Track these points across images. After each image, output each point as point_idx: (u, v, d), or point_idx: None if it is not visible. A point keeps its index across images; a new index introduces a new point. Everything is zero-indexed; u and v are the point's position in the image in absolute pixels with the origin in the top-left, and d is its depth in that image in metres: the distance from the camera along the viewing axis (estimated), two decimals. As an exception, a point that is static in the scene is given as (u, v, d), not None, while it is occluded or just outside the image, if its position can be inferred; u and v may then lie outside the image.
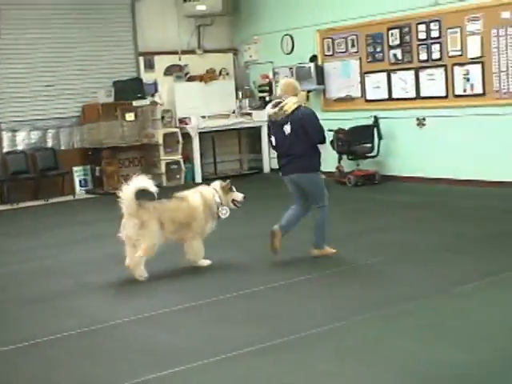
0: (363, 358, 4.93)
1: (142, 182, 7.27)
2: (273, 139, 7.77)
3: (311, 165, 7.55)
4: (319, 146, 7.61)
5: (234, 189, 7.80)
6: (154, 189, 7.26)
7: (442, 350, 4.95)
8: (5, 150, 13.82)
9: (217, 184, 7.73)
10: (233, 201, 7.74)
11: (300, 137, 7.42)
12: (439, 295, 6.14)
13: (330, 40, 13.72)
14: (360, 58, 13.22)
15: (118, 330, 5.89)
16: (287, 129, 7.44)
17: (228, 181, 7.85)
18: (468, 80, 11.55)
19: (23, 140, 14.03)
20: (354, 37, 13.23)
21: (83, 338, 5.75)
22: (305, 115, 7.46)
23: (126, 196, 7.15)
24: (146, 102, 14.46)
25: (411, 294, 6.22)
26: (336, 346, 5.18)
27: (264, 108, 15.16)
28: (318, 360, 4.94)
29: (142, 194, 7.38)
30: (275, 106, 7.59)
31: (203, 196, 7.57)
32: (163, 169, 14.36)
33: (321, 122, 7.62)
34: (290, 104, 7.41)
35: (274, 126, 7.66)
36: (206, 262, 7.61)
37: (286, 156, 7.63)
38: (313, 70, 13.71)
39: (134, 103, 14.30)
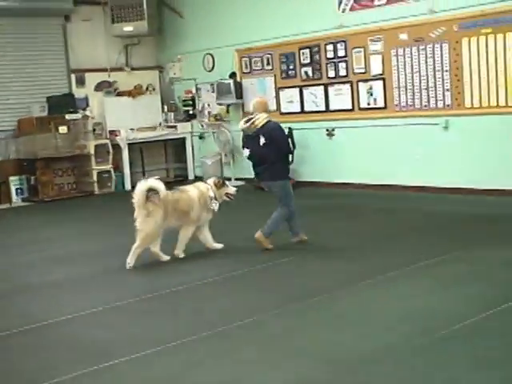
0: (282, 346, 4.97)
1: (153, 182, 7.55)
2: (246, 150, 8.00)
3: (281, 172, 7.93)
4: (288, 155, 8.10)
5: (227, 184, 8.19)
6: (162, 189, 7.52)
7: (353, 336, 5.04)
8: None
9: (211, 180, 8.10)
10: (226, 194, 8.09)
11: (271, 148, 7.73)
12: (347, 288, 6.23)
13: (247, 58, 13.78)
14: (275, 75, 13.31)
15: (53, 329, 5.77)
16: (262, 140, 7.73)
17: (220, 178, 8.37)
18: (371, 94, 11.76)
19: (-39, 151, 13.65)
20: (269, 56, 13.33)
21: (18, 337, 5.62)
22: (274, 128, 7.81)
23: (138, 192, 7.46)
24: (78, 115, 14.25)
25: (323, 287, 6.29)
26: (257, 337, 5.21)
27: (188, 121, 15.26)
28: (241, 350, 4.96)
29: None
30: (247, 121, 7.88)
31: (200, 190, 7.94)
32: (95, 178, 14.18)
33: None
34: (261, 119, 7.75)
35: (248, 138, 7.92)
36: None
37: (260, 165, 7.94)
38: (232, 85, 13.74)
39: (67, 117, 14.06)
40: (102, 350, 5.16)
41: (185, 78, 15.27)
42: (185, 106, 15.36)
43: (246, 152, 8.02)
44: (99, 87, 15.01)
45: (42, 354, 5.20)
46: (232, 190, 8.15)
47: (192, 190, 7.95)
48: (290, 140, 7.98)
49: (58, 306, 6.45)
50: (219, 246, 8.08)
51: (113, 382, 4.60)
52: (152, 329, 5.58)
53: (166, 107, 15.39)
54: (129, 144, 14.56)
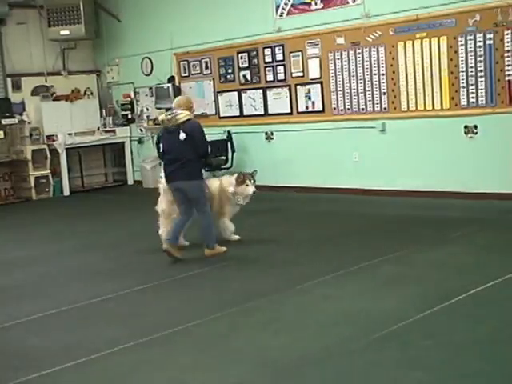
0: (219, 350, 4.90)
1: None
2: (161, 146, 7.67)
3: (198, 172, 7.62)
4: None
5: (248, 183, 8.23)
6: None
7: (289, 339, 5.00)
8: None
9: (234, 176, 8.34)
10: (239, 194, 8.23)
11: (189, 146, 7.41)
12: (283, 292, 6.18)
13: (185, 62, 13.68)
14: (213, 79, 13.24)
15: (-14, 338, 5.60)
16: (182, 135, 7.41)
17: (244, 174, 8.34)
18: (310, 98, 11.80)
19: None
20: (208, 59, 13.25)
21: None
22: (194, 127, 7.51)
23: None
24: (15, 120, 13.93)
25: (258, 291, 6.24)
26: (193, 342, 5.13)
27: (126, 125, 15.06)
28: (178, 355, 4.87)
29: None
30: (169, 115, 7.61)
31: (221, 184, 8.29)
32: (32, 183, 13.87)
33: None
34: (183, 115, 7.46)
35: (166, 132, 7.58)
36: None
37: (174, 162, 7.50)
38: (171, 89, 13.61)
39: (3, 121, 13.74)
40: (37, 358, 5.02)
41: (123, 82, 15.08)
42: (123, 110, 15.16)
43: (161, 148, 7.68)
44: (36, 92, 14.70)
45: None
46: (248, 190, 8.20)
47: (214, 184, 8.28)
48: (207, 142, 7.70)
49: (-10, 315, 6.25)
50: (236, 237, 8.25)
51: (45, 393, 4.46)
52: (87, 336, 5.43)
53: (104, 111, 15.17)
54: (67, 149, 14.29)
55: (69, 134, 14.29)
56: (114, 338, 5.26)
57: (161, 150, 7.72)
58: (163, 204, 8.07)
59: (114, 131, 14.96)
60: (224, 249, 7.68)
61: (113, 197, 13.90)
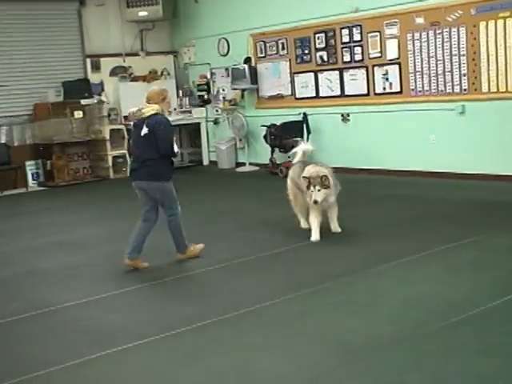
0: (291, 332, 4.92)
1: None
2: (131, 142, 7.20)
3: (161, 173, 6.81)
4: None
5: (313, 188, 7.23)
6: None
7: (362, 321, 4.98)
8: (-40, 145, 13.46)
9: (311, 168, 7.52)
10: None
11: (152, 143, 6.70)
12: (358, 274, 6.16)
13: (262, 43, 13.66)
14: (289, 60, 13.19)
15: (65, 313, 5.75)
16: (144, 130, 6.73)
17: (323, 175, 7.29)
18: (387, 79, 11.63)
19: (-23, 137, 13.70)
20: (284, 40, 13.20)
21: (31, 321, 5.61)
22: (158, 123, 6.73)
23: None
24: (93, 100, 14.23)
25: (332, 273, 6.23)
26: (265, 322, 5.15)
27: (202, 106, 15.18)
28: (249, 335, 4.91)
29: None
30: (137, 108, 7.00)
31: (292, 174, 7.92)
32: (110, 162, 14.16)
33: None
34: (149, 109, 6.79)
35: (134, 126, 7.01)
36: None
37: (137, 160, 6.94)
38: (247, 70, 13.64)
39: (82, 102, 14.05)
40: (111, 334, 5.14)
41: (199, 63, 15.18)
42: (199, 90, 15.28)
43: (131, 143, 7.13)
44: (114, 72, 14.97)
45: (55, 338, 5.19)
46: (313, 197, 7.23)
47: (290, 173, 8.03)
48: (172, 141, 6.82)
49: (69, 290, 6.42)
50: (338, 230, 7.61)
51: (120, 367, 4.56)
52: (161, 314, 5.54)
53: (180, 92, 15.32)
54: (144, 129, 14.50)
55: (146, 115, 14.48)
56: (187, 317, 5.33)
57: (132, 146, 7.17)
58: (290, 191, 7.94)
59: (190, 112, 15.10)
60: (201, 246, 7.17)
61: (188, 177, 14.03)
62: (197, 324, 5.14)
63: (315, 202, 7.22)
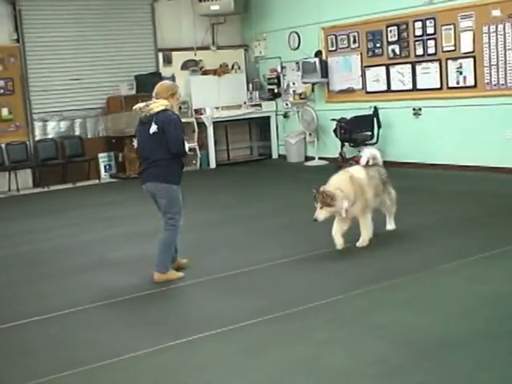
0: (358, 327, 4.90)
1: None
2: (135, 141, 6.75)
3: (171, 175, 6.33)
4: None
5: (316, 205, 6.72)
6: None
7: (431, 319, 4.92)
8: (37, 138, 13.84)
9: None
10: None
11: (161, 141, 6.23)
12: (428, 270, 6.07)
13: (333, 36, 13.59)
14: (361, 53, 13.09)
15: (134, 303, 5.87)
16: (153, 128, 6.24)
17: (324, 192, 6.70)
18: (461, 73, 11.41)
19: (53, 129, 14.05)
20: (356, 33, 13.10)
21: (104, 309, 5.75)
22: (168, 119, 6.22)
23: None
24: (165, 94, 14.39)
25: (401, 269, 6.16)
26: (332, 317, 5.14)
27: (272, 100, 15.20)
28: (316, 330, 4.90)
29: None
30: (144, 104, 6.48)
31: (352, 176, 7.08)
32: (180, 155, 14.32)
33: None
34: (158, 104, 6.30)
35: (140, 125, 6.47)
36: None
37: (145, 160, 6.42)
38: (317, 64, 13.60)
39: (154, 95, 14.24)
40: (178, 325, 5.23)
41: (270, 57, 15.20)
42: (269, 84, 15.31)
43: (135, 142, 6.75)
44: (185, 66, 15.15)
45: (122, 328, 5.30)
46: (316, 213, 6.71)
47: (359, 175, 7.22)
48: (183, 140, 6.30)
49: (140, 279, 6.52)
50: (362, 244, 6.99)
51: (189, 358, 4.63)
52: (229, 307, 5.59)
53: (250, 86, 15.38)
54: (214, 122, 14.64)
55: (216, 108, 14.62)
56: (255, 310, 5.37)
57: (136, 146, 6.82)
58: None
59: (259, 105, 15.15)
60: (179, 275, 6.42)
61: (257, 170, 14.11)
62: (264, 317, 5.16)
63: (315, 220, 6.71)
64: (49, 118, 13.97)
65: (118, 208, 10.68)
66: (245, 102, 15.13)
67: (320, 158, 13.76)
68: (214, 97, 14.65)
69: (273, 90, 15.22)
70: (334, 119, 12.95)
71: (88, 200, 11.81)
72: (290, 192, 10.87)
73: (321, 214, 6.70)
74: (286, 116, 15.07)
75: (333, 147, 13.29)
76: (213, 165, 14.61)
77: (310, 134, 14.19)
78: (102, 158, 14.33)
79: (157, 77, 14.57)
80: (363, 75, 13.11)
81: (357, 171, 7.14)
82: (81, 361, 4.62)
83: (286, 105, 14.97)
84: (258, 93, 15.31)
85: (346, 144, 12.83)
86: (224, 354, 4.60)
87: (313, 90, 14.20)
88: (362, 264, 6.52)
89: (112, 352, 4.73)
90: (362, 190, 6.94)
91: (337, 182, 6.89)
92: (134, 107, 6.51)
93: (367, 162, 7.44)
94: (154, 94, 6.43)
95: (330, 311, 5.26)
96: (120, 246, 8.01)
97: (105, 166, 14.36)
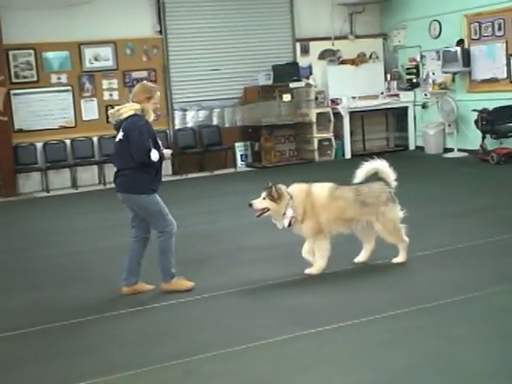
0: (496, 325, 4.77)
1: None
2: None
3: (138, 185, 5.90)
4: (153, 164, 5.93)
5: (263, 195, 6.29)
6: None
7: None
8: (176, 127, 14.32)
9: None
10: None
11: (126, 149, 5.87)
12: None
13: (477, 24, 13.16)
14: (506, 41, 12.60)
15: (267, 291, 5.98)
16: (119, 135, 5.93)
17: (275, 185, 6.29)
18: None
19: (192, 118, 14.48)
20: (501, 21, 12.62)
21: (241, 295, 5.90)
22: (133, 126, 5.84)
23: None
24: (302, 84, 14.49)
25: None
26: (468, 314, 5.03)
27: (410, 90, 14.92)
28: (449, 326, 4.81)
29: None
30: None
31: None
32: (315, 145, 14.39)
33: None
34: (127, 109, 5.94)
35: (114, 130, 6.13)
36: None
37: (116, 168, 6.12)
38: (459, 53, 13.22)
39: (291, 85, 14.36)
40: (310, 314, 5.27)
41: (409, 46, 14.93)
42: (408, 74, 15.06)
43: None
44: (323, 56, 15.16)
45: (258, 314, 5.43)
46: (255, 201, 6.29)
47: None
48: (148, 148, 5.82)
49: (272, 269, 6.62)
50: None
51: (318, 348, 4.66)
52: (360, 299, 5.58)
53: (388, 76, 15.18)
54: (350, 112, 14.58)
55: (352, 98, 14.55)
56: (384, 304, 5.34)
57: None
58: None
59: (397, 96, 14.94)
60: (189, 284, 6.11)
61: (393, 161, 13.84)
62: (394, 312, 5.12)
63: (250, 204, 6.28)
64: (188, 107, 14.42)
65: (253, 196, 10.80)
66: (382, 92, 14.96)
67: (459, 150, 13.41)
68: (351, 87, 14.57)
69: (411, 79, 14.96)
70: (475, 110, 12.56)
71: (224, 188, 12.09)
72: (427, 184, 10.66)
73: (260, 203, 6.25)
74: (424, 106, 14.75)
75: (473, 139, 12.90)
76: (348, 155, 14.57)
77: (450, 125, 13.83)
78: (239, 147, 14.62)
79: (294, 67, 14.72)
80: (508, 64, 12.62)
81: (319, 189, 6.37)
82: (215, 344, 4.77)
83: (425, 95, 14.66)
84: (395, 83, 15.09)
85: (488, 136, 12.41)
86: (354, 347, 4.61)
87: (453, 80, 13.83)
88: (498, 262, 6.30)
89: (246, 337, 4.86)
90: (313, 211, 6.23)
91: (294, 189, 6.32)
92: (108, 112, 6.24)
93: (365, 177, 6.44)
94: (130, 96, 6.10)
95: (465, 308, 5.14)
96: (256, 233, 8.13)
97: (241, 155, 14.64)
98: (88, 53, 13.60)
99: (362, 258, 6.49)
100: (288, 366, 4.40)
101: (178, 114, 14.35)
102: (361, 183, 6.48)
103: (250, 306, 5.65)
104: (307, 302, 5.61)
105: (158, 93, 6.16)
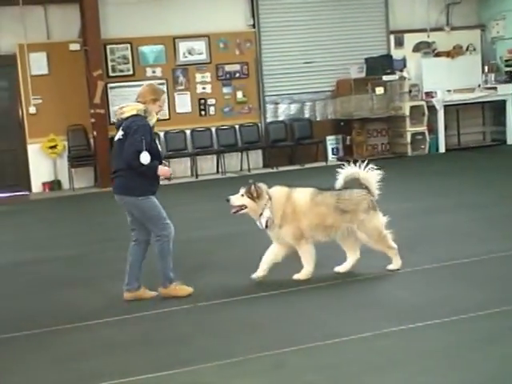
0: None
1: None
2: None
3: (134, 186, 5.78)
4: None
5: (241, 193, 6.11)
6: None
7: None
8: (268, 120, 14.40)
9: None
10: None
11: (123, 149, 5.79)
12: None
13: None
14: None
15: (358, 285, 5.97)
16: (119, 134, 5.85)
17: (255, 184, 6.15)
18: None
19: (283, 111, 14.53)
20: None
21: (331, 289, 5.91)
22: (133, 126, 5.73)
23: None
24: (395, 76, 14.31)
25: None
26: None
27: (509, 83, 14.50)
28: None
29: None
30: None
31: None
32: (408, 139, 14.19)
33: None
34: (129, 108, 5.85)
35: (116, 129, 6.04)
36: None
37: (113, 168, 6.02)
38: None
39: (384, 78, 14.21)
40: (404, 310, 5.23)
41: (508, 37, 14.52)
42: (507, 66, 14.66)
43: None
44: (417, 48, 14.93)
45: (352, 308, 5.42)
46: (232, 197, 6.10)
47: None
48: (141, 150, 5.64)
49: (365, 262, 6.59)
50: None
51: (409, 344, 4.63)
52: (452, 296, 5.49)
53: (486, 68, 14.80)
54: (444, 106, 14.30)
55: (447, 91, 14.27)
56: (479, 302, 5.23)
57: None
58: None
59: (495, 88, 14.55)
60: (188, 290, 5.95)
61: (489, 156, 13.59)
62: (491, 310, 5.01)
63: (227, 200, 6.07)
64: (280, 100, 14.47)
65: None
66: (479, 85, 14.61)
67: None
68: (446, 79, 14.28)
69: (510, 72, 14.55)
70: None
71: (315, 182, 12.03)
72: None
73: (238, 199, 6.08)
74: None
75: None
76: (442, 149, 14.31)
77: (550, 119, 13.40)
78: (330, 141, 14.57)
79: (387, 59, 14.54)
80: None
81: (300, 193, 6.23)
82: (302, 338, 4.78)
83: (524, 88, 14.25)
84: (493, 75, 14.72)
85: None
86: (448, 344, 4.53)
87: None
88: None
89: (335, 332, 4.85)
90: (294, 216, 6.09)
91: (274, 191, 6.21)
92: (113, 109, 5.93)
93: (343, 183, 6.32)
94: (136, 95, 6.01)
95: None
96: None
97: (332, 149, 14.59)
98: (182, 46, 13.83)
99: (343, 268, 6.22)
100: (378, 361, 4.37)
101: (269, 108, 14.43)
102: (343, 189, 6.34)
103: (340, 300, 5.64)
104: (398, 298, 5.56)
105: (165, 96, 6.08)
